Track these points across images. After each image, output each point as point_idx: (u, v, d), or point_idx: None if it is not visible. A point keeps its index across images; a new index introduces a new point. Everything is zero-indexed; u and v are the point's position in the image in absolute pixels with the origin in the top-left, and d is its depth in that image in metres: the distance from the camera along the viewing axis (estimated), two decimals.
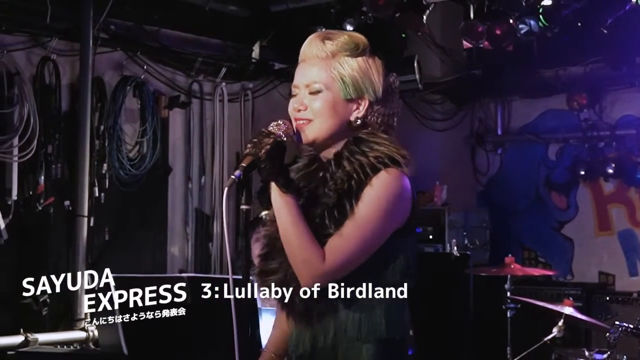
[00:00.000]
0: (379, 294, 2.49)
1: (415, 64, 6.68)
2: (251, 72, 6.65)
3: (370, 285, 2.49)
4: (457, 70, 7.85)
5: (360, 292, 2.49)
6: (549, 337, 5.29)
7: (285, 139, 2.52)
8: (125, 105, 5.95)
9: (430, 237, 7.06)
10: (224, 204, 2.47)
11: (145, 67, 6.08)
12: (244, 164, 2.46)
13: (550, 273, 6.94)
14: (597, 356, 5.23)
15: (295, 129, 2.55)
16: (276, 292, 2.53)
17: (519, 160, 8.12)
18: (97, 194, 5.74)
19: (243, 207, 2.50)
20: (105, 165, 5.78)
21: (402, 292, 2.51)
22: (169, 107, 6.27)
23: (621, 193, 7.65)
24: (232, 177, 2.45)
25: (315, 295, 2.47)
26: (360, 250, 2.46)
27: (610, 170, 7.44)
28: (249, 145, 2.49)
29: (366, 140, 2.53)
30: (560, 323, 5.30)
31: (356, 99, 2.55)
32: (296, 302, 2.50)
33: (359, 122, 2.56)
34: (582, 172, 7.63)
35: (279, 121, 2.57)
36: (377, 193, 2.46)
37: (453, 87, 7.91)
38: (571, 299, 6.28)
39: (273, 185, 2.49)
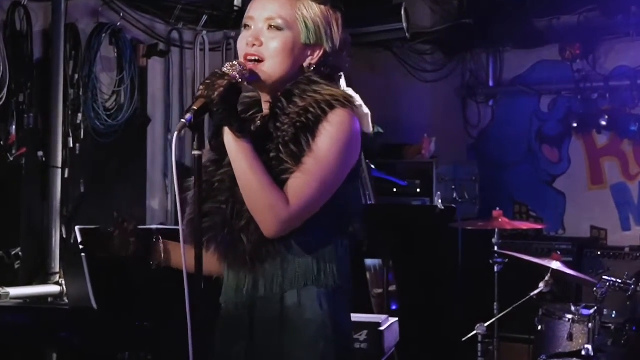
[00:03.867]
0: (327, 241, 2.38)
1: (403, 12, 6.52)
2: (233, 20, 6.45)
3: (318, 230, 2.37)
4: (448, 19, 7.73)
5: (309, 238, 2.37)
6: (536, 292, 5.21)
7: (240, 80, 2.38)
8: (101, 53, 5.75)
9: (418, 190, 6.92)
10: (173, 148, 2.32)
11: (122, 14, 5.88)
12: (195, 107, 2.33)
13: (539, 227, 6.84)
14: (584, 311, 5.14)
15: (248, 73, 2.41)
16: (213, 237, 2.38)
17: (511, 112, 7.97)
18: (71, 145, 5.57)
19: (195, 152, 2.35)
20: (80, 115, 5.61)
21: (347, 241, 2.44)
22: (147, 56, 6.08)
23: (614, 146, 7.51)
24: (183, 120, 2.32)
25: (264, 236, 2.33)
26: (323, 189, 2.34)
27: (604, 123, 7.31)
28: (201, 87, 2.35)
29: (317, 82, 2.43)
30: (547, 278, 5.21)
31: (314, 45, 2.46)
32: (239, 245, 2.35)
33: (311, 69, 2.46)
34: (575, 125, 7.50)
35: (234, 61, 2.43)
36: (335, 130, 2.35)
37: (443, 37, 7.77)
38: (559, 253, 6.20)
39: (227, 129, 2.35)
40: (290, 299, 2.37)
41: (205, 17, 6.33)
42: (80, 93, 5.61)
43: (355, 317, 3.97)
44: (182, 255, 2.27)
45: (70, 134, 5.57)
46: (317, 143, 2.32)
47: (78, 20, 5.68)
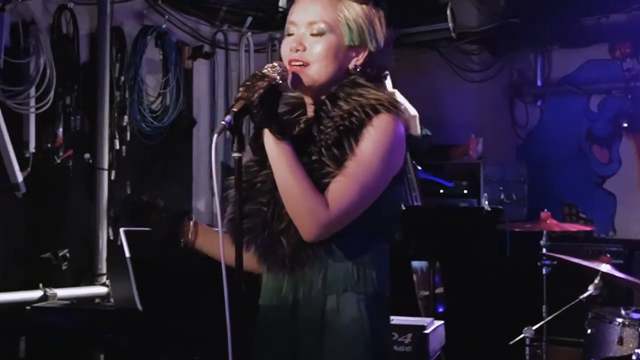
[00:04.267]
0: (367, 246, 2.35)
1: (448, 12, 6.46)
2: (278, 21, 6.44)
3: (359, 235, 2.34)
4: (495, 19, 7.64)
5: (349, 243, 2.34)
6: (585, 295, 5.11)
7: (280, 82, 2.36)
8: (146, 55, 5.78)
9: (465, 191, 6.86)
10: (212, 151, 2.31)
11: (167, 16, 5.90)
12: (235, 109, 2.30)
13: (588, 229, 6.73)
14: (634, 315, 5.03)
15: (290, 74, 2.38)
16: (252, 239, 2.36)
17: (560, 112, 7.86)
18: (118, 147, 5.61)
19: (235, 154, 2.34)
20: (126, 117, 5.64)
21: (387, 246, 2.42)
22: (192, 58, 6.10)
23: None
24: (222, 122, 2.29)
25: (300, 242, 2.30)
26: (364, 194, 2.30)
27: None
28: (241, 89, 2.32)
29: (363, 85, 2.39)
30: (596, 280, 5.11)
31: (358, 46, 2.42)
32: (278, 248, 2.33)
33: (357, 70, 2.43)
34: (625, 125, 7.38)
35: (275, 63, 2.41)
36: (379, 134, 2.31)
37: (490, 36, 7.68)
38: (609, 255, 6.10)
39: (267, 132, 2.32)
40: (329, 304, 2.34)
41: (250, 19, 6.33)
42: (126, 95, 5.65)
43: (400, 319, 3.96)
44: (220, 251, 2.25)
45: (117, 136, 5.61)
46: (360, 147, 2.29)
47: (123, 23, 5.71)
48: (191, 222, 2.64)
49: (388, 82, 5.45)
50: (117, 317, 4.11)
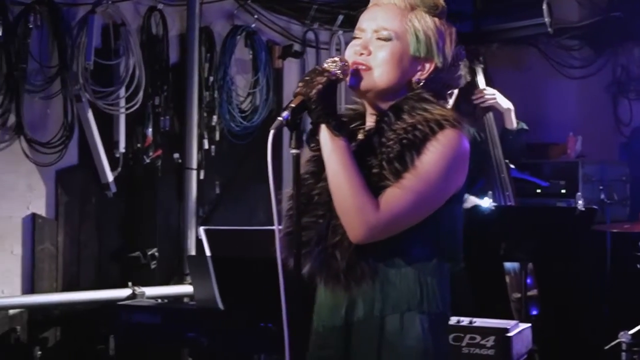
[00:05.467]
0: (430, 264, 2.27)
1: (545, 6, 6.28)
2: None
3: (420, 252, 2.26)
4: (596, 13, 7.39)
5: (410, 260, 2.25)
6: None
7: (341, 77, 2.30)
8: (235, 55, 5.80)
9: (563, 191, 6.64)
10: (268, 147, 2.26)
11: (256, 15, 5.91)
12: (292, 105, 2.26)
13: None
14: None
15: (351, 70, 2.32)
16: (308, 253, 2.29)
17: None
18: (207, 147, 5.65)
19: (292, 151, 2.29)
20: (215, 117, 5.67)
21: (449, 265, 2.32)
22: (282, 57, 6.09)
23: None
24: (279, 118, 2.25)
25: (359, 253, 2.22)
26: (418, 205, 2.21)
27: None
28: (300, 84, 2.27)
29: (428, 100, 2.31)
30: None
31: (424, 59, 2.34)
32: (333, 262, 2.26)
33: (420, 84, 2.34)
34: None
35: (336, 57, 2.35)
36: (443, 149, 2.22)
37: (592, 31, 7.43)
38: None
39: (323, 127, 2.26)
40: (390, 324, 2.24)
41: (341, 17, 6.29)
42: (216, 95, 5.68)
43: (483, 322, 3.86)
44: (277, 259, 2.20)
45: (206, 136, 5.65)
46: (421, 159, 2.21)
47: (213, 23, 5.75)
48: None
49: (480, 79, 5.36)
50: (199, 316, 4.11)
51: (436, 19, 2.35)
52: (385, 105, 2.33)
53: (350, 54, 2.35)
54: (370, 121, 2.38)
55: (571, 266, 5.82)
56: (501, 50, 7.52)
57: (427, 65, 2.34)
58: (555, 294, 5.66)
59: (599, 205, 6.34)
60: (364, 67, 2.32)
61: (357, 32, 2.39)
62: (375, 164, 2.25)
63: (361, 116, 2.42)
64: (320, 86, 2.23)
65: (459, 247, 2.34)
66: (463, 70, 2.52)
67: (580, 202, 5.18)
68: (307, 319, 2.34)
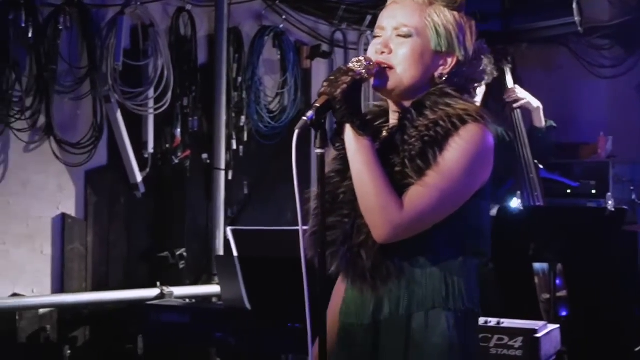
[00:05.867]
0: (456, 260, 2.25)
1: (575, 5, 6.24)
2: None
3: (446, 249, 2.25)
4: (627, 12, 7.32)
5: (436, 257, 2.24)
6: None
7: (366, 76, 2.29)
8: (263, 56, 5.82)
9: (593, 191, 6.60)
10: (293, 146, 2.25)
11: (284, 16, 5.92)
12: (317, 104, 2.24)
13: None
14: None
15: (376, 69, 2.31)
16: (334, 252, 2.28)
17: None
18: (235, 147, 5.66)
19: (317, 151, 2.27)
20: (243, 118, 5.68)
21: (477, 261, 2.30)
22: (310, 58, 6.10)
23: None
24: (304, 118, 2.23)
25: (384, 252, 2.21)
26: (442, 202, 2.19)
27: None
28: (324, 84, 2.26)
29: (451, 95, 2.29)
30: None
31: (445, 53, 2.32)
32: (358, 261, 2.25)
33: (443, 78, 2.32)
34: None
35: (360, 57, 2.34)
36: (465, 144, 2.20)
37: (623, 31, 7.37)
38: None
39: (348, 127, 2.26)
40: (416, 322, 2.24)
41: (369, 17, 6.29)
42: (244, 96, 5.69)
43: (511, 323, 3.83)
44: (301, 254, 2.20)
45: (234, 136, 5.66)
46: (444, 156, 2.19)
47: (241, 23, 5.76)
48: None
49: (509, 79, 5.33)
50: (226, 316, 4.12)
51: (455, 13, 2.33)
52: (408, 103, 2.32)
53: (372, 53, 2.35)
54: (393, 119, 2.37)
55: (601, 267, 5.76)
56: (531, 49, 7.48)
57: (449, 60, 2.32)
58: (585, 295, 5.61)
59: (629, 206, 6.30)
60: (386, 66, 2.31)
61: (377, 31, 2.38)
62: (398, 162, 2.24)
63: (386, 113, 2.42)
64: (344, 86, 2.22)
65: (487, 242, 2.32)
66: (488, 66, 2.50)
67: (610, 202, 5.15)
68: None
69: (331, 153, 2.40)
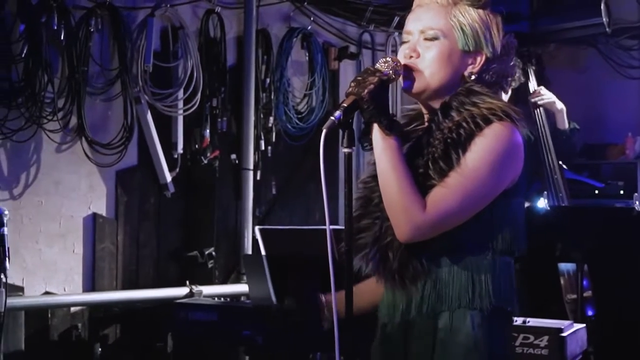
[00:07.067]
0: (483, 259, 2.27)
1: (603, 6, 6.23)
2: None
3: (473, 248, 2.27)
4: None
5: (463, 256, 2.26)
6: None
7: (393, 77, 2.33)
8: (292, 57, 5.86)
9: (622, 192, 6.58)
10: (321, 147, 2.29)
11: (312, 18, 5.96)
12: (344, 104, 2.29)
13: None
14: None
15: (403, 73, 2.34)
16: (366, 255, 2.33)
17: None
18: (263, 148, 5.70)
19: (345, 150, 2.32)
20: (271, 119, 5.73)
21: (508, 259, 2.31)
22: (338, 59, 6.14)
23: None
24: (332, 118, 2.28)
25: (410, 253, 2.25)
26: (464, 203, 2.21)
27: None
28: (352, 84, 2.31)
29: (478, 92, 2.31)
30: None
31: (474, 52, 2.35)
32: (387, 262, 2.29)
33: (473, 77, 2.35)
34: None
35: (388, 57, 2.37)
36: (488, 144, 2.22)
37: None
38: None
39: (375, 127, 2.29)
40: (442, 321, 2.27)
41: (397, 18, 6.30)
42: (272, 97, 5.74)
43: (537, 322, 3.84)
44: (329, 261, 2.23)
45: (262, 137, 5.70)
46: (467, 156, 2.22)
47: (269, 25, 5.81)
48: (322, 301, 2.63)
49: (532, 80, 5.33)
50: (254, 315, 4.15)
51: (480, 11, 2.35)
52: (439, 104, 2.35)
53: (400, 58, 2.38)
54: (426, 121, 2.41)
55: (628, 267, 5.75)
56: (559, 50, 7.47)
57: (478, 58, 2.35)
58: (612, 295, 5.61)
59: None
60: (414, 70, 2.34)
61: (404, 36, 2.41)
62: (421, 164, 2.26)
63: (421, 115, 2.44)
64: (372, 86, 2.26)
65: (519, 240, 2.32)
66: (518, 61, 2.51)
67: (638, 202, 5.15)
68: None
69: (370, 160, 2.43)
